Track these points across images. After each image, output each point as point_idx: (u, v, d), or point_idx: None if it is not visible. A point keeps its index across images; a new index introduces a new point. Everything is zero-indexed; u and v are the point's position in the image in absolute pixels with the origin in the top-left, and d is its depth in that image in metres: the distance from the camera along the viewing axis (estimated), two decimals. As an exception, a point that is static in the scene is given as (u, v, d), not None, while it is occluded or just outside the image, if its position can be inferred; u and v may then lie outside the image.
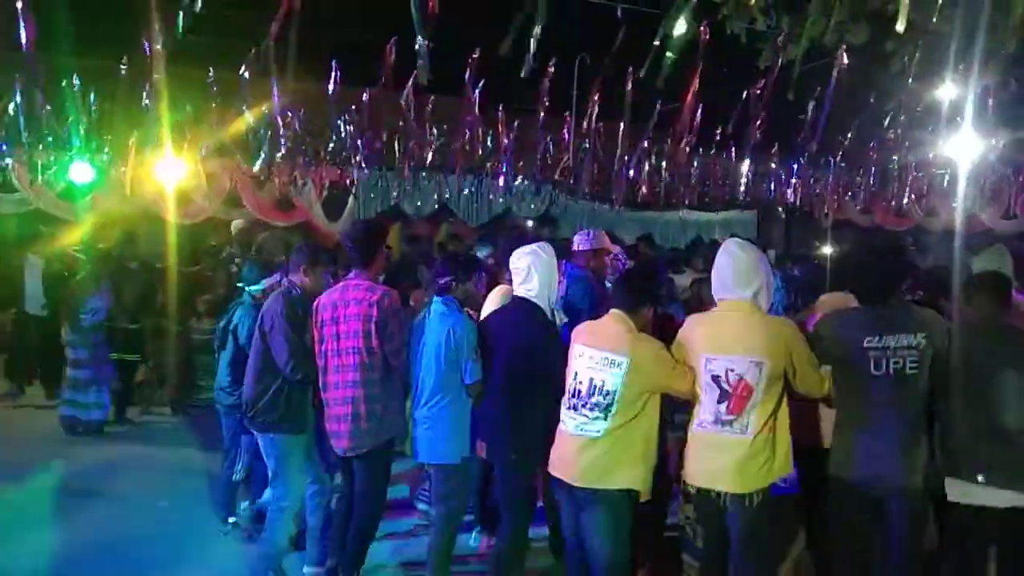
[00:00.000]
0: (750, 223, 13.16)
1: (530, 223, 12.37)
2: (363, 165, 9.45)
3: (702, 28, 6.18)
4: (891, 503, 3.43)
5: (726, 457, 3.41)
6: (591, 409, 3.55)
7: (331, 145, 8.75)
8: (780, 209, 12.46)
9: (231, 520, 5.27)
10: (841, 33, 8.17)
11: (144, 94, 7.29)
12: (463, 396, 4.06)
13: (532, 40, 4.31)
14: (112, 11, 6.51)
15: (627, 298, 3.68)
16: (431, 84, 4.92)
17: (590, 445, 3.54)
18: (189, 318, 8.13)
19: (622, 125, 8.50)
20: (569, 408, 3.66)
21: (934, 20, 7.77)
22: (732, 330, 3.46)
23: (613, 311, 3.68)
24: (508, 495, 4.02)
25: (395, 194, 10.43)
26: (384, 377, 4.09)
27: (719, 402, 3.42)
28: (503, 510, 4.08)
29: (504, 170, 9.81)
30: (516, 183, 10.67)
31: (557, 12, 5.22)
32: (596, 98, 8.13)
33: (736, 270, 3.51)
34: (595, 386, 3.54)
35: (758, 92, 7.81)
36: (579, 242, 5.10)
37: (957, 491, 3.44)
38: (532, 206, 11.46)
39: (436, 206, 10.90)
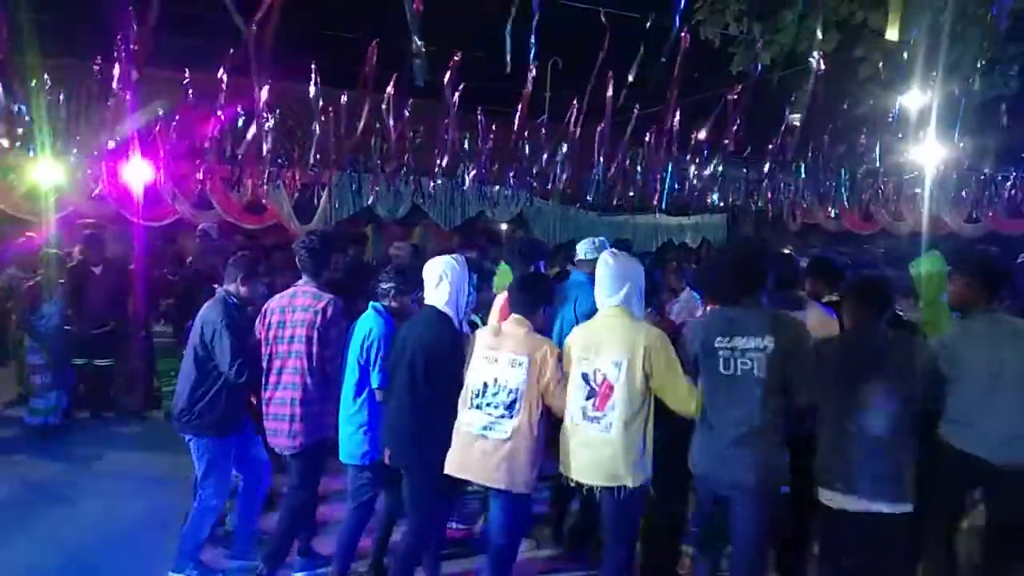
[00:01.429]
0: (720, 227, 13.34)
1: (503, 226, 12.44)
2: (338, 167, 9.34)
3: (683, 34, 6.20)
4: (734, 499, 3.55)
5: (595, 453, 3.64)
6: (496, 407, 3.75)
7: (309, 147, 8.62)
8: (750, 213, 12.62)
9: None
10: (811, 40, 8.33)
11: (114, 95, 7.11)
12: (373, 399, 4.19)
13: (529, 39, 4.29)
14: (85, 10, 6.36)
15: (524, 304, 3.92)
16: (414, 86, 4.89)
17: (499, 446, 3.73)
18: (152, 322, 7.93)
19: (599, 129, 8.51)
20: (472, 408, 3.83)
21: (902, 29, 7.97)
22: (602, 334, 3.72)
23: (513, 315, 3.92)
24: (413, 496, 4.04)
25: (369, 197, 10.37)
26: (321, 381, 4.27)
27: (587, 399, 3.66)
28: (409, 509, 4.10)
29: (481, 173, 9.76)
30: (489, 187, 10.69)
31: (538, 14, 5.25)
32: (575, 102, 8.15)
33: (607, 277, 3.77)
34: (500, 386, 3.77)
35: (733, 97, 7.88)
36: (585, 251, 5.15)
37: (825, 496, 3.56)
38: (506, 209, 11.51)
39: (409, 209, 10.90)
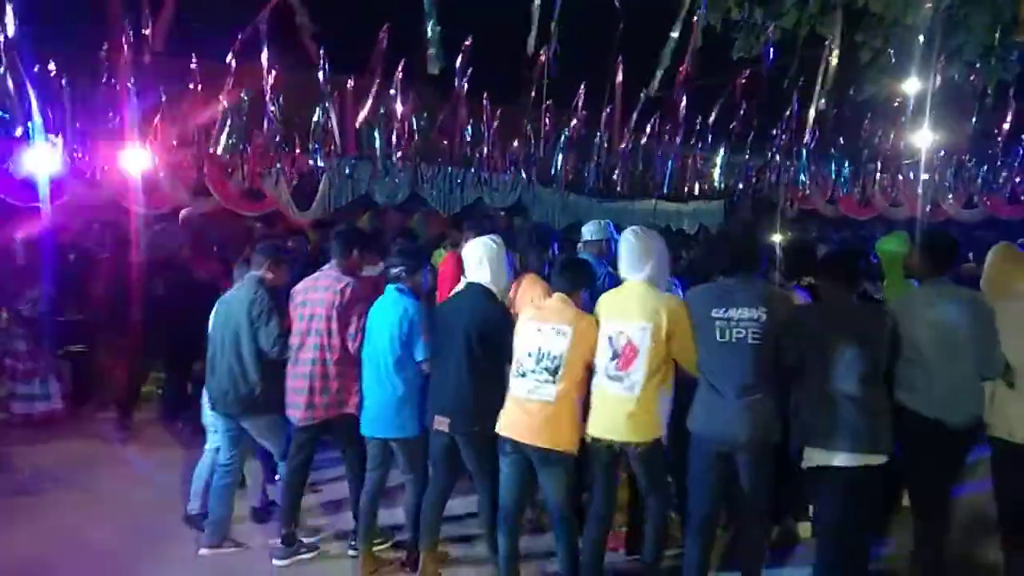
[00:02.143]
0: (718, 212, 13.31)
1: (502, 212, 12.39)
2: (339, 153, 9.27)
3: (694, 20, 6.18)
4: (737, 457, 3.90)
5: (618, 410, 3.95)
6: (541, 373, 4.03)
7: (310, 133, 8.55)
8: (747, 200, 12.61)
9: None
10: (812, 24, 8.31)
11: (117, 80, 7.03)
12: (417, 373, 4.46)
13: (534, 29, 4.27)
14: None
15: (566, 283, 4.22)
16: (427, 73, 4.87)
17: (544, 408, 4.01)
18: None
19: (603, 115, 8.48)
20: (519, 375, 4.12)
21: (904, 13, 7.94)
22: (629, 302, 4.04)
23: (557, 294, 4.23)
24: (480, 463, 4.33)
25: (367, 183, 10.31)
26: (341, 358, 4.61)
27: (611, 359, 3.98)
28: (477, 478, 4.40)
29: (483, 159, 9.71)
30: (489, 173, 10.62)
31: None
32: (582, 88, 8.11)
33: (631, 254, 4.08)
34: (543, 353, 4.05)
35: (740, 83, 7.86)
36: (591, 232, 5.41)
37: (809, 455, 3.89)
38: (504, 196, 11.45)
39: (408, 195, 10.84)
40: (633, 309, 3.99)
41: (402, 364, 4.42)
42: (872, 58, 9.44)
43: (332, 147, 9.28)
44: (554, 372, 4.02)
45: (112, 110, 7.89)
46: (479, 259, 4.40)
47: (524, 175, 10.69)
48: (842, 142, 11.26)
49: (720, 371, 3.89)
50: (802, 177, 11.73)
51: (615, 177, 10.57)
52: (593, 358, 4.05)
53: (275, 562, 4.74)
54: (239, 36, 6.64)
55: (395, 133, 9.16)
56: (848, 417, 3.76)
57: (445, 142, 9.83)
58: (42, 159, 8.17)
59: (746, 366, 3.83)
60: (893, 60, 8.67)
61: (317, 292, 4.68)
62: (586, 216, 12.12)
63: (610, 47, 6.99)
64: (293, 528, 4.81)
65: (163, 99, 8.02)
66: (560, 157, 10.02)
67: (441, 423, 4.28)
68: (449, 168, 10.49)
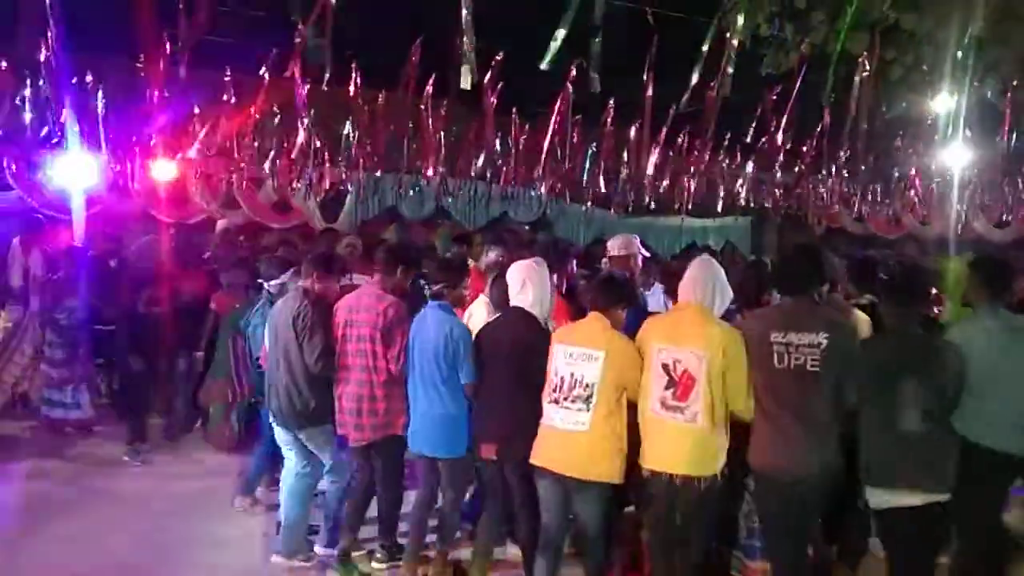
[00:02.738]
0: (744, 229, 13.25)
1: (526, 226, 12.39)
2: (366, 167, 9.34)
3: (726, 36, 6.16)
4: (799, 491, 3.63)
5: (676, 443, 3.72)
6: (573, 402, 3.87)
7: (340, 147, 8.62)
8: (775, 216, 12.51)
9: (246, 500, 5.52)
10: (842, 41, 8.24)
11: (155, 93, 7.13)
12: (461, 393, 4.36)
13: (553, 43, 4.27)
14: (128, 9, 6.39)
15: (602, 299, 4.03)
16: (459, 87, 4.88)
17: (577, 437, 3.84)
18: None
19: (633, 130, 8.47)
20: (552, 402, 3.97)
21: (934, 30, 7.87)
22: (682, 326, 3.82)
23: (592, 313, 4.03)
24: (528, 490, 4.14)
25: (393, 196, 10.38)
26: (387, 380, 4.53)
27: (666, 388, 3.75)
28: (523, 507, 4.22)
29: (510, 174, 9.73)
30: (516, 188, 10.64)
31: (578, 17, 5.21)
32: (611, 102, 8.11)
33: (694, 277, 3.91)
34: (576, 380, 3.87)
35: (769, 99, 7.83)
36: (617, 247, 5.38)
37: (871, 494, 3.69)
38: (529, 210, 11.46)
39: (434, 209, 10.88)
40: (688, 334, 3.77)
41: (449, 383, 4.32)
42: (903, 75, 9.37)
43: (360, 161, 9.34)
44: (587, 400, 3.83)
45: (145, 122, 7.97)
46: (522, 282, 4.25)
47: (548, 190, 10.68)
48: (872, 160, 11.14)
49: (777, 399, 3.65)
50: (827, 192, 11.61)
51: (641, 193, 10.52)
52: (631, 383, 3.85)
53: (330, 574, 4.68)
54: (272, 50, 6.69)
55: (423, 147, 9.18)
56: (911, 455, 3.56)
57: (472, 160, 9.84)
58: (77, 170, 8.31)
59: (804, 394, 3.59)
60: (926, 77, 8.58)
61: (360, 312, 4.58)
62: (611, 232, 12.12)
63: (639, 62, 6.97)
64: (351, 542, 4.72)
65: (195, 111, 8.09)
66: (586, 172, 10.01)
67: (488, 451, 4.19)
68: (475, 183, 10.54)
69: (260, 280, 5.66)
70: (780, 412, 3.64)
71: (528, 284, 4.23)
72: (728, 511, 4.18)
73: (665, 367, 3.76)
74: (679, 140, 9.52)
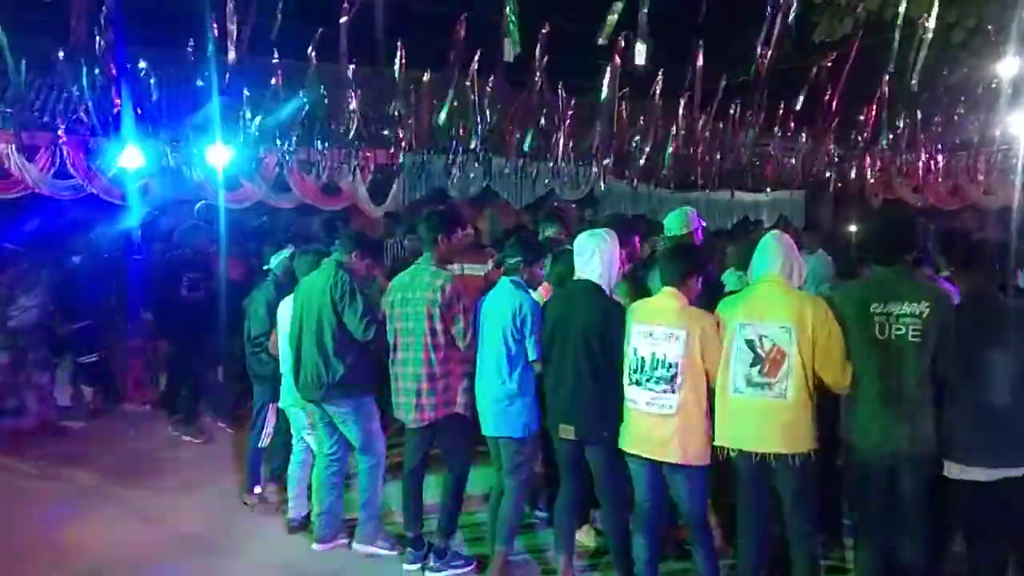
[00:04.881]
0: (798, 203, 12.92)
1: (572, 204, 12.29)
2: (412, 147, 9.36)
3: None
4: (900, 470, 3.56)
5: (766, 421, 3.63)
6: (657, 383, 3.80)
7: (387, 128, 8.65)
8: (830, 189, 12.18)
9: (256, 490, 5.47)
10: (899, 4, 7.94)
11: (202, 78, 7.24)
12: (530, 372, 4.26)
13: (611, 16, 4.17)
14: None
15: (675, 274, 3.91)
16: (504, 62, 4.81)
17: (665, 420, 3.78)
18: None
19: (681, 102, 8.30)
20: (634, 384, 3.89)
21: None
22: (764, 302, 3.73)
23: (665, 288, 3.93)
24: (608, 470, 4.09)
25: (440, 176, 10.37)
26: (446, 357, 4.41)
27: (751, 365, 3.66)
28: (606, 488, 4.15)
29: (556, 151, 9.64)
30: (562, 164, 10.54)
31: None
32: (660, 75, 7.95)
33: (770, 252, 3.82)
34: (658, 360, 3.80)
35: (823, 67, 7.59)
36: (677, 226, 5.11)
37: (949, 469, 3.58)
38: (576, 187, 11.35)
39: (481, 188, 10.86)
40: (772, 309, 3.68)
41: (515, 361, 4.22)
42: (965, 39, 9.00)
43: (407, 141, 9.36)
44: (671, 380, 3.77)
45: (196, 108, 8.10)
46: (591, 253, 4.12)
47: (596, 166, 10.56)
48: (932, 128, 10.74)
49: (878, 372, 3.58)
50: (885, 162, 11.25)
51: (691, 167, 10.34)
52: (715, 362, 3.76)
53: (405, 567, 4.61)
54: (318, 31, 6.72)
55: (469, 126, 9.15)
56: (995, 429, 3.47)
57: (518, 135, 9.76)
58: (131, 157, 8.51)
59: (906, 366, 3.52)
60: (991, 39, 8.23)
61: (415, 291, 4.46)
62: (660, 208, 11.94)
63: (690, 32, 6.81)
64: (419, 531, 4.64)
65: (245, 96, 8.19)
66: (635, 147, 9.86)
67: (566, 431, 4.10)
68: (521, 161, 10.47)
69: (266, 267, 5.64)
70: (879, 386, 3.58)
71: (595, 255, 4.10)
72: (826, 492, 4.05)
73: (750, 343, 3.68)
74: (730, 112, 9.30)
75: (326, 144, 8.78)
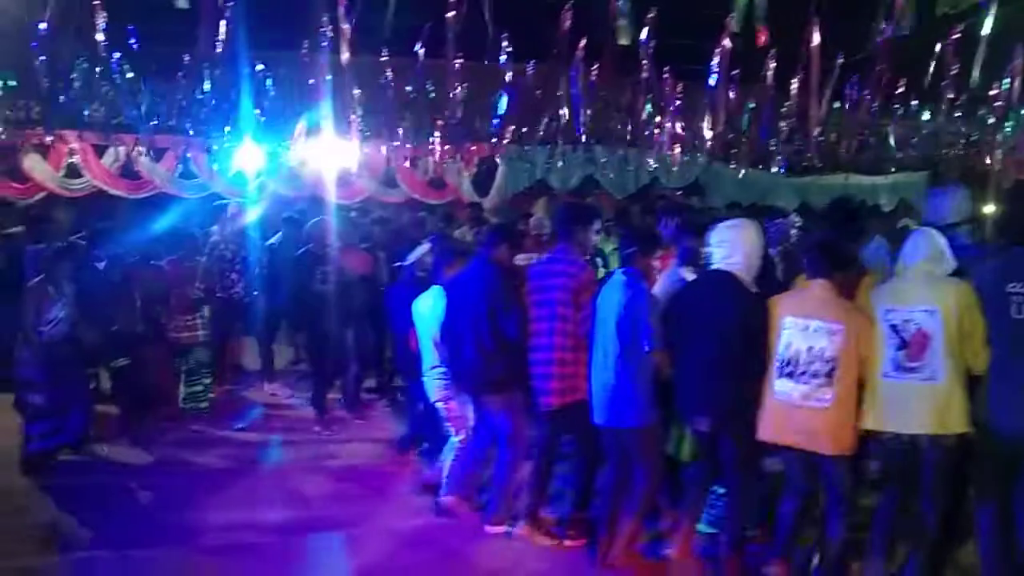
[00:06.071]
0: (920, 186, 12.20)
1: (678, 192, 12.01)
2: (515, 140, 9.40)
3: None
4: None
5: (917, 403, 3.63)
6: (814, 376, 3.76)
7: (488, 121, 8.72)
8: (954, 169, 11.44)
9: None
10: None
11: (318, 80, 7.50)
12: (647, 363, 4.21)
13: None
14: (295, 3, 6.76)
15: (826, 267, 3.88)
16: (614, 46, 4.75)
17: (819, 413, 3.76)
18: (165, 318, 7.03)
19: (793, 82, 7.96)
20: (784, 376, 3.85)
21: None
22: (908, 287, 3.78)
23: (818, 280, 3.88)
24: (739, 462, 4.05)
25: (543, 168, 10.37)
26: (575, 344, 4.49)
27: (898, 350, 3.69)
28: (731, 475, 4.13)
29: (660, 137, 9.46)
30: (665, 152, 10.33)
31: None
32: (772, 54, 7.65)
33: (920, 244, 3.83)
34: (814, 354, 3.77)
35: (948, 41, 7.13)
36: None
37: None
38: (681, 175, 11.09)
39: (583, 179, 10.77)
40: (916, 292, 3.72)
41: (630, 352, 4.19)
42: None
43: (510, 134, 9.41)
44: (829, 374, 3.75)
45: (310, 108, 8.38)
46: (732, 243, 4.06)
47: (704, 152, 10.30)
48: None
49: (1016, 353, 3.54)
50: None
51: (804, 150, 9.93)
52: (869, 353, 3.77)
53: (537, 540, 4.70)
54: (425, 26, 6.82)
55: (571, 116, 9.10)
56: None
57: (619, 126, 9.64)
58: (251, 158, 8.92)
59: None
60: None
61: (553, 277, 4.57)
62: (770, 194, 11.53)
63: (803, 7, 6.52)
64: (538, 502, 4.80)
65: (355, 95, 8.41)
66: (744, 131, 9.56)
67: (702, 423, 4.09)
68: (623, 150, 10.32)
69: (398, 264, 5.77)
70: (1017, 368, 3.54)
71: (739, 245, 4.04)
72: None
73: (894, 328, 3.71)
74: (847, 91, 8.86)
75: (432, 139, 8.90)
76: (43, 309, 5.74)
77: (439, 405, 5.12)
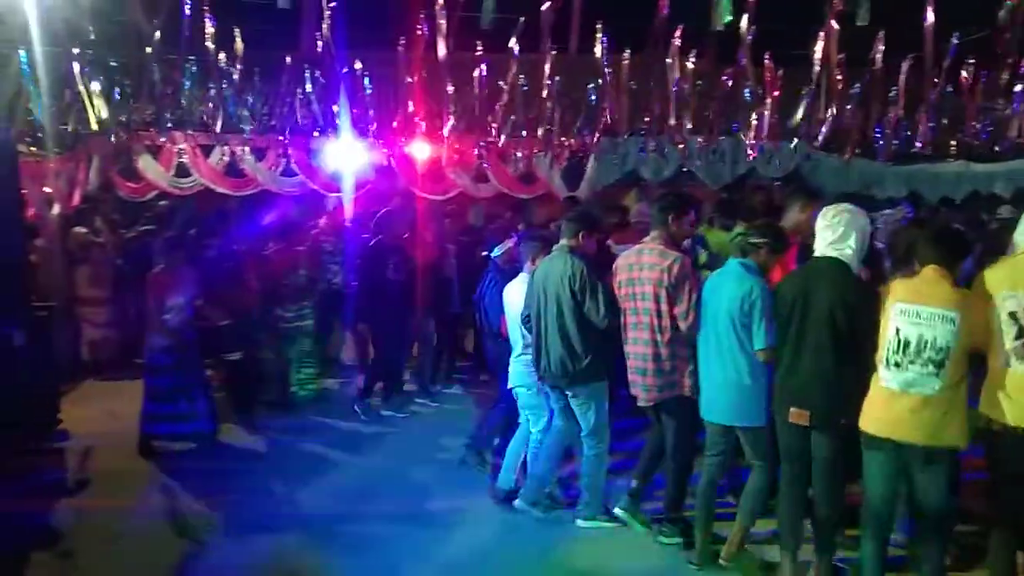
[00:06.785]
0: (1040, 174, 11.37)
1: (776, 182, 11.60)
2: (607, 131, 9.28)
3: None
4: None
5: None
6: (923, 365, 3.63)
7: (579, 113, 8.65)
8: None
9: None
10: None
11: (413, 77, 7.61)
12: (759, 359, 4.13)
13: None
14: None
15: (944, 255, 3.76)
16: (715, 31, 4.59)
17: (927, 403, 3.63)
18: (273, 306, 7.33)
19: (904, 64, 7.52)
20: (893, 365, 3.71)
21: None
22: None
23: (932, 267, 3.75)
24: (834, 459, 3.96)
25: (634, 160, 10.20)
26: (672, 338, 4.43)
27: (1016, 338, 3.56)
28: (823, 474, 4.02)
29: (761, 126, 9.16)
30: (765, 140, 9.98)
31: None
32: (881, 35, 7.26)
33: None
34: (926, 342, 3.63)
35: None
36: None
37: None
38: (780, 164, 10.70)
39: (676, 171, 10.54)
40: None
41: (746, 347, 4.13)
42: None
43: (601, 125, 9.30)
44: (940, 364, 3.61)
45: (405, 104, 8.51)
46: (842, 230, 3.94)
47: (806, 139, 9.90)
48: None
49: None
50: None
51: (914, 136, 9.41)
52: (983, 343, 3.65)
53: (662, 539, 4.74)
54: (520, 20, 6.81)
55: (666, 107, 8.92)
56: None
57: (714, 115, 9.36)
58: (348, 154, 9.12)
59: None
60: None
61: (643, 270, 4.51)
62: (876, 183, 10.99)
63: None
64: (639, 486, 4.87)
65: (450, 91, 8.48)
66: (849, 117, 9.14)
67: (799, 416, 3.96)
68: (719, 140, 10.04)
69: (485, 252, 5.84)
70: None
71: (851, 231, 3.92)
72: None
73: (1013, 315, 3.58)
74: (962, 73, 8.34)
75: (524, 134, 8.90)
76: (164, 297, 6.14)
77: (520, 391, 5.13)
